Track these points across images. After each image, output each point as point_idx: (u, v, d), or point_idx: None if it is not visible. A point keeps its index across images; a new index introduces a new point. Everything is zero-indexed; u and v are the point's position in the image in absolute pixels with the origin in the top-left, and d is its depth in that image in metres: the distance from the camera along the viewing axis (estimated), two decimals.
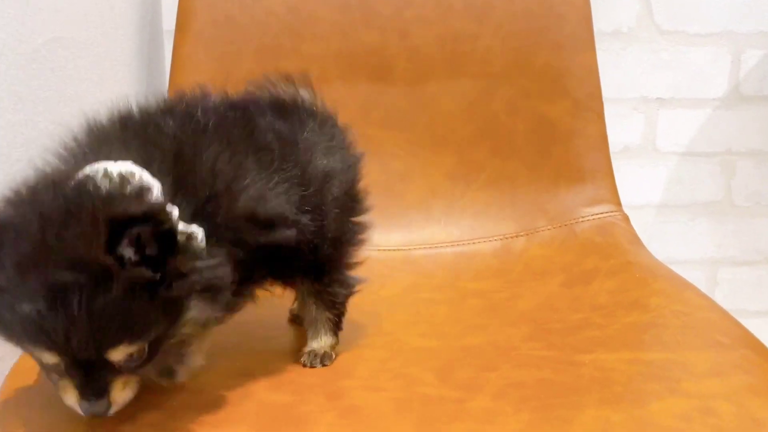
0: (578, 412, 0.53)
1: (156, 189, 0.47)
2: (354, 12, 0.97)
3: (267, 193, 0.54)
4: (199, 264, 0.47)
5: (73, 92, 0.77)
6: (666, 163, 1.18)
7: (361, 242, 0.66)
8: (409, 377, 0.61)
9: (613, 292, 0.78)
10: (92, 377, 0.46)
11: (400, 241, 0.96)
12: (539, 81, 0.97)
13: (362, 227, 0.67)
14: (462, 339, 0.71)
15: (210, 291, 0.48)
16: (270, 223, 0.54)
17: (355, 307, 0.71)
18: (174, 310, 0.47)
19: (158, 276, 0.45)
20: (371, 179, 0.92)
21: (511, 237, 0.96)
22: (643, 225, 1.18)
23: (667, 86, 1.15)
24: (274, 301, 0.67)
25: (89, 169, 0.46)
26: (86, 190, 0.45)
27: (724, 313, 0.69)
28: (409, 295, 0.85)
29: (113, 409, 0.48)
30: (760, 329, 1.23)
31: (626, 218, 0.95)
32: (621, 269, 0.83)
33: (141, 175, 0.47)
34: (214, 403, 0.56)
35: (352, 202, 0.66)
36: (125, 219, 0.43)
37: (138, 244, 0.44)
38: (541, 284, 0.85)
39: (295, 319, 0.73)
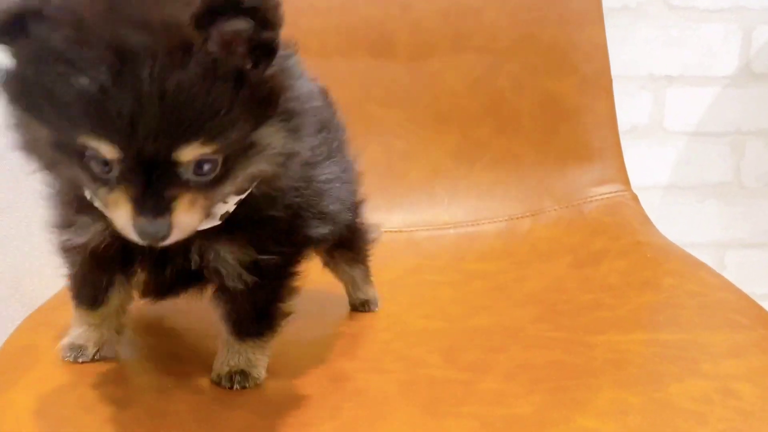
0: (593, 395, 0.51)
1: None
2: None
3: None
4: (293, 83, 0.41)
5: None
6: (674, 144, 1.15)
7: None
8: (414, 359, 0.59)
9: (623, 272, 0.75)
10: (155, 187, 0.38)
11: (403, 223, 0.93)
12: (546, 57, 0.94)
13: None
14: (468, 320, 0.68)
15: (295, 120, 0.42)
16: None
17: None
18: (258, 113, 0.39)
19: (249, 65, 0.38)
20: (372, 159, 0.90)
21: (517, 218, 0.93)
22: (650, 207, 1.14)
23: (675, 63, 1.12)
24: None
25: None
26: None
27: (741, 293, 0.67)
28: (412, 276, 0.83)
29: (173, 236, 0.39)
30: None
31: (635, 198, 0.92)
32: (631, 249, 0.80)
33: None
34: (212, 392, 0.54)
35: None
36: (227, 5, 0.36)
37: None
38: (549, 265, 0.82)
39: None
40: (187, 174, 0.39)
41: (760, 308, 0.64)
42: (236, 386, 0.52)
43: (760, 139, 1.15)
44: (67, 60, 0.36)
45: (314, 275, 0.76)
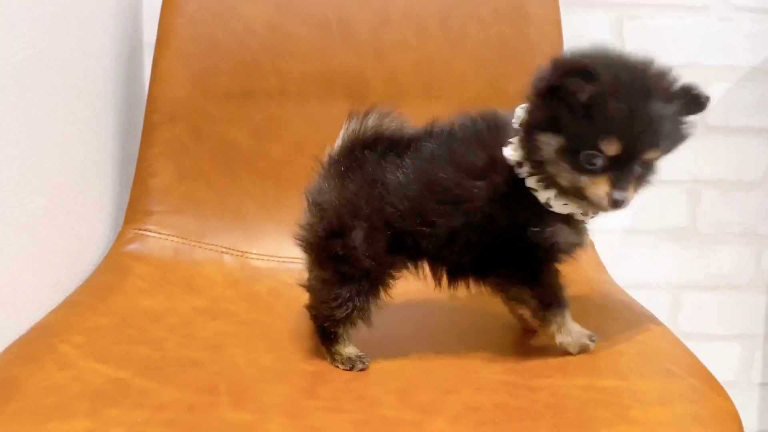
0: None
1: None
2: (333, 33, 0.99)
3: None
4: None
5: (50, 106, 0.78)
6: None
7: None
8: (371, 399, 0.63)
9: (573, 317, 0.80)
10: (624, 173, 0.61)
11: None
12: (511, 106, 0.99)
13: None
14: (426, 360, 0.72)
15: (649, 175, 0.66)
16: None
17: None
18: (671, 145, 0.64)
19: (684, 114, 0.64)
20: None
21: None
22: (610, 248, 1.21)
23: None
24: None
25: None
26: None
27: (677, 342, 0.72)
28: (376, 314, 0.86)
29: (627, 203, 0.62)
30: (722, 352, 1.27)
31: (591, 244, 0.97)
32: (583, 295, 0.85)
33: None
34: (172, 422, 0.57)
35: None
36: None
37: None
38: (504, 309, 0.86)
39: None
40: (636, 170, 0.63)
41: (694, 358, 0.69)
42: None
43: (715, 188, 1.22)
44: (608, 94, 0.60)
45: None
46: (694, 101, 0.64)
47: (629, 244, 1.23)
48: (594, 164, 0.61)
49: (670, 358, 0.68)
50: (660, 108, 0.61)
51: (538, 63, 1.00)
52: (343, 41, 0.99)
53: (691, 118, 0.65)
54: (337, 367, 0.70)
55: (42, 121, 0.76)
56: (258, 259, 0.95)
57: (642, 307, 0.81)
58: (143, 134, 0.97)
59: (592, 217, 0.69)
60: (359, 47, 0.99)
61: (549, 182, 0.65)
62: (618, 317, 0.78)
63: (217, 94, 0.98)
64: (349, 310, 0.69)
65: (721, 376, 0.68)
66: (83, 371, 0.64)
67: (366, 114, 0.72)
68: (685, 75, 1.15)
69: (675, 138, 0.64)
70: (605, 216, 0.68)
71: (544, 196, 0.66)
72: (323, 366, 0.70)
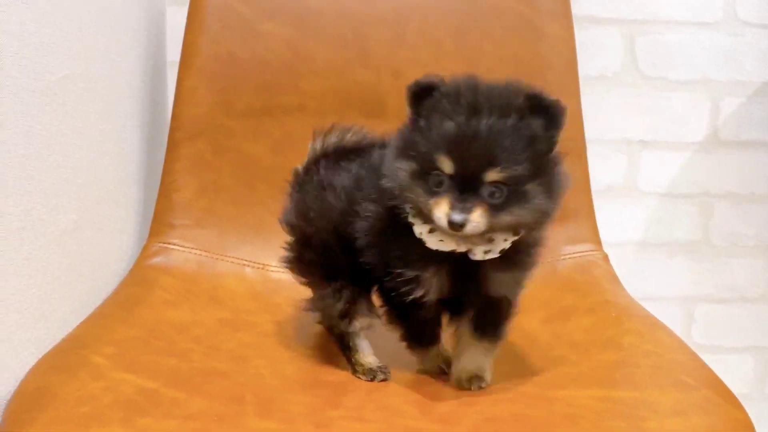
0: None
1: None
2: (350, 52, 1.02)
3: None
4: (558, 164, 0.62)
5: (81, 125, 0.80)
6: (647, 203, 1.22)
7: None
8: (393, 409, 0.65)
9: (589, 329, 0.82)
10: (465, 196, 0.59)
11: None
12: None
13: None
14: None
15: (552, 187, 0.61)
16: None
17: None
18: (540, 165, 0.60)
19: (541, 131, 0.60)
20: None
21: None
22: (623, 262, 1.22)
23: (649, 129, 1.20)
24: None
25: None
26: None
27: (692, 354, 0.73)
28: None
29: (468, 227, 0.59)
30: (735, 365, 1.28)
31: (606, 257, 0.99)
32: (598, 307, 0.87)
33: None
34: (202, 431, 0.59)
35: None
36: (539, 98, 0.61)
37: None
38: (522, 319, 0.87)
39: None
40: (485, 193, 0.59)
41: (709, 370, 0.70)
42: (473, 388, 0.68)
43: (727, 201, 1.23)
44: (444, 112, 0.60)
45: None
46: (545, 113, 0.61)
47: (643, 257, 1.24)
48: (439, 186, 0.60)
49: (686, 370, 0.69)
50: (492, 123, 0.58)
51: (552, 79, 1.04)
52: (360, 59, 1.02)
53: (555, 132, 0.61)
54: (359, 378, 0.72)
55: (73, 139, 0.78)
56: (278, 271, 0.97)
57: (656, 319, 0.83)
58: (167, 150, 1.00)
59: (483, 253, 0.63)
60: (376, 65, 1.02)
61: (422, 214, 0.63)
62: (633, 330, 0.80)
63: (238, 110, 1.00)
64: (343, 303, 0.72)
65: (735, 388, 0.69)
66: (115, 381, 0.66)
67: (328, 131, 0.77)
68: (696, 90, 1.19)
69: (528, 155, 0.59)
70: (483, 249, 0.63)
71: (418, 230, 0.64)
72: (345, 376, 0.72)
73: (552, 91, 1.01)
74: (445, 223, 0.59)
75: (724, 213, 1.23)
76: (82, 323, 0.77)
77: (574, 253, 0.99)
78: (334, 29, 1.02)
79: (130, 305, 0.83)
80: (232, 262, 0.97)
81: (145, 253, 0.95)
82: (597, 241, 1.00)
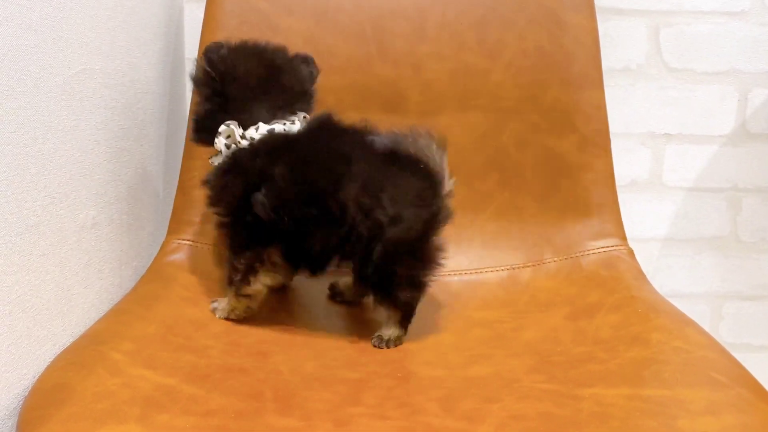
0: None
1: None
2: (370, 46, 1.00)
3: None
4: None
5: (100, 121, 0.80)
6: (672, 198, 1.20)
7: None
8: (414, 406, 0.63)
9: (615, 326, 0.79)
10: None
11: None
12: (548, 116, 1.00)
13: None
14: (467, 369, 0.73)
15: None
16: None
17: (365, 333, 0.77)
18: None
19: None
20: None
21: (519, 267, 0.98)
22: (649, 258, 1.20)
23: (674, 122, 1.17)
24: None
25: None
26: None
27: (723, 351, 0.71)
28: (415, 322, 0.87)
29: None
30: (765, 363, 1.25)
31: (631, 252, 0.96)
32: (624, 303, 0.84)
33: None
34: (220, 428, 0.59)
35: None
36: None
37: None
38: (547, 316, 0.86)
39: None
40: None
41: (741, 367, 0.68)
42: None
43: (756, 196, 1.20)
44: None
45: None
46: None
47: (669, 253, 1.21)
48: None
49: (717, 367, 0.67)
50: None
51: (576, 72, 1.02)
52: (379, 53, 1.00)
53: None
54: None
55: (92, 135, 0.78)
56: None
57: (685, 315, 0.80)
58: (185, 147, 0.99)
59: None
60: (396, 59, 1.00)
61: None
62: (661, 326, 0.77)
63: None
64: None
65: (765, 386, 0.67)
66: (133, 378, 0.65)
67: None
68: (723, 82, 1.16)
69: None
70: None
71: None
72: (365, 373, 0.71)
73: (576, 84, 1.01)
74: None
75: (754, 207, 1.20)
76: (100, 320, 0.77)
77: (598, 248, 0.97)
78: (353, 24, 1.01)
79: (148, 302, 0.82)
80: None
81: (164, 249, 0.94)
82: (622, 236, 0.98)
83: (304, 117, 0.82)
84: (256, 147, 0.77)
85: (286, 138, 0.78)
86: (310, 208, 0.74)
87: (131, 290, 0.86)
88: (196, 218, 0.97)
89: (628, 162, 1.17)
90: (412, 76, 1.00)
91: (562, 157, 1.00)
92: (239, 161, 0.77)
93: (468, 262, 0.99)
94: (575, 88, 1.00)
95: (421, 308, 0.91)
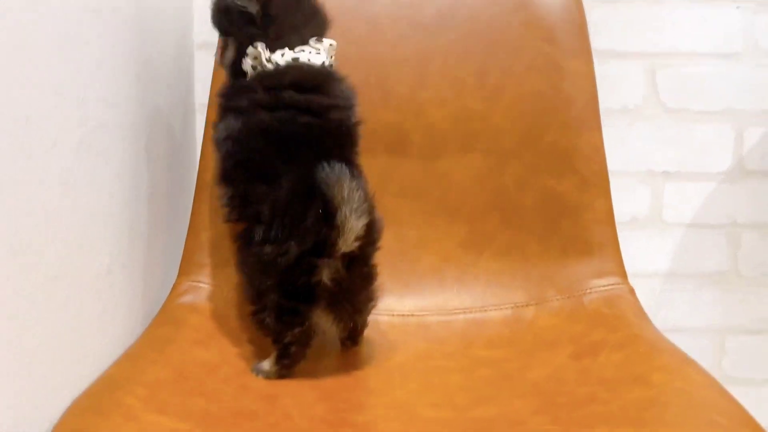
0: None
1: None
2: (373, 92, 1.03)
3: None
4: None
5: (115, 172, 0.83)
6: (673, 234, 1.22)
7: None
8: None
9: (618, 365, 0.81)
10: None
11: (415, 307, 1.00)
12: (547, 158, 1.02)
13: None
14: (473, 410, 0.74)
15: None
16: None
17: (372, 373, 0.78)
18: None
19: None
20: (386, 246, 0.97)
21: (522, 306, 0.99)
22: (651, 293, 1.22)
23: (672, 160, 1.20)
24: None
25: None
26: None
27: (723, 392, 0.72)
28: (422, 362, 0.88)
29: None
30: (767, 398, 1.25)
31: (632, 290, 0.98)
32: (627, 342, 0.86)
33: None
34: None
35: None
36: None
37: None
38: (551, 354, 0.88)
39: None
40: None
41: (741, 408, 0.69)
42: None
43: (755, 231, 1.22)
44: None
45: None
46: None
47: (670, 288, 1.23)
48: None
49: (717, 409, 0.68)
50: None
51: (574, 115, 1.04)
52: (383, 100, 1.03)
53: None
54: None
55: (108, 186, 0.81)
56: None
57: (685, 354, 0.81)
58: (196, 191, 1.02)
59: None
60: (399, 104, 1.03)
61: None
62: (663, 366, 0.79)
63: None
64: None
65: (767, 421, 0.68)
66: (147, 423, 0.67)
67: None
68: (719, 120, 1.18)
69: None
70: None
71: None
72: (373, 416, 0.72)
73: (574, 127, 1.04)
74: None
75: (753, 243, 1.22)
76: (114, 364, 0.79)
77: (600, 286, 0.98)
78: (357, 73, 1.03)
79: (160, 345, 0.84)
80: None
81: (174, 291, 0.96)
82: (623, 274, 0.99)
83: (331, 45, 0.83)
84: (281, 71, 0.79)
85: (276, 97, 0.79)
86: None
87: (143, 333, 0.88)
88: (206, 260, 1.00)
89: (628, 199, 1.19)
90: (414, 120, 1.03)
91: (562, 198, 1.02)
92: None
93: (472, 300, 1.00)
94: (574, 130, 1.02)
95: (428, 346, 0.92)
